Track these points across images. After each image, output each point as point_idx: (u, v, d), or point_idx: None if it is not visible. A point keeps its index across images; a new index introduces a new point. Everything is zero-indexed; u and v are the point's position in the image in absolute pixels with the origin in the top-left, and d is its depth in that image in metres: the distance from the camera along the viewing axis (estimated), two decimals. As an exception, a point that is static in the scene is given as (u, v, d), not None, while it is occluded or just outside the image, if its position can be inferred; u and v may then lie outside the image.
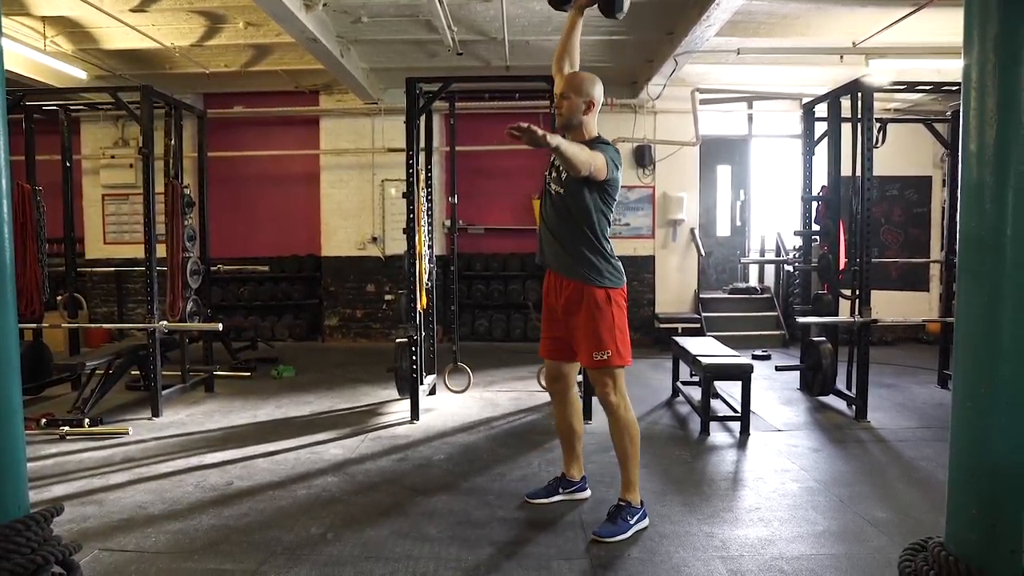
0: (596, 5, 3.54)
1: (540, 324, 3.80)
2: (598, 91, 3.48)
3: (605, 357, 3.40)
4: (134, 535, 3.42)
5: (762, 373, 7.04)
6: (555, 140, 2.99)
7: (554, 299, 3.61)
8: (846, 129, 6.21)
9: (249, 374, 7.45)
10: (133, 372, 6.51)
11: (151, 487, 4.12)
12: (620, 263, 3.56)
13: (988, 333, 1.82)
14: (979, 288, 1.84)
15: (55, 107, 6.70)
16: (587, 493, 3.90)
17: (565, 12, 3.68)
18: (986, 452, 1.83)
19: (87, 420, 5.31)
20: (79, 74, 8.04)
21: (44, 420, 5.28)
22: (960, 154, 1.89)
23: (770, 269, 10.52)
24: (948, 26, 6.75)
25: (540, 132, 2.89)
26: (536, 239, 3.66)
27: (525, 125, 2.87)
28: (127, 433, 5.24)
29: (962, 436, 1.90)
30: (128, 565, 3.10)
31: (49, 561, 1.73)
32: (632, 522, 3.39)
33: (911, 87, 6.38)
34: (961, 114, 1.87)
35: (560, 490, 3.86)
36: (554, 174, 3.50)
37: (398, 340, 6.07)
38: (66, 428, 5.20)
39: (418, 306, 5.83)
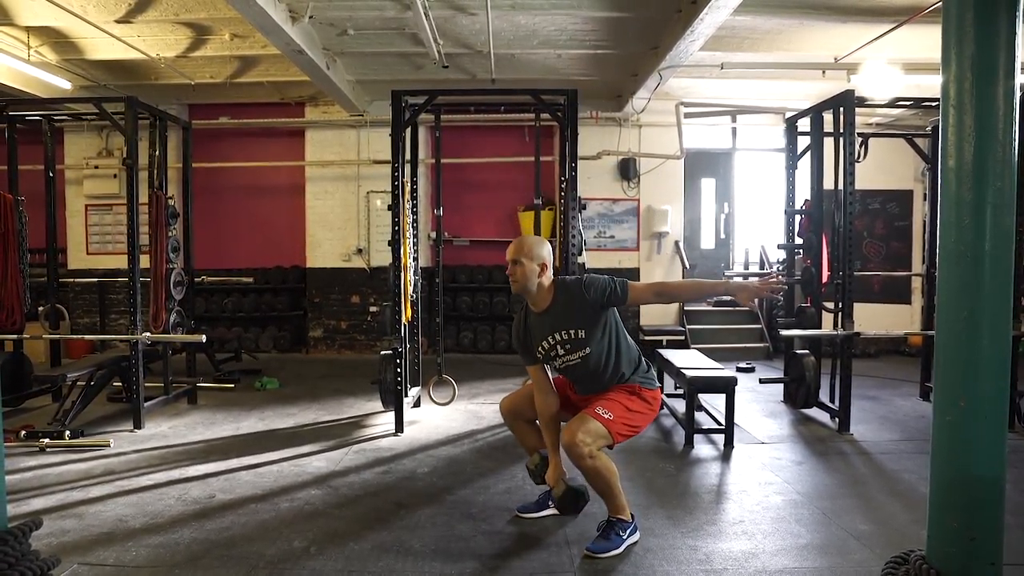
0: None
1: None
2: (547, 251, 3.53)
3: (607, 416, 3.35)
4: (114, 549, 3.37)
5: (746, 385, 7.07)
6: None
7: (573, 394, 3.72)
8: (828, 143, 6.28)
9: (232, 386, 7.39)
10: (115, 384, 6.45)
11: (132, 500, 4.07)
12: (654, 371, 3.69)
13: (967, 348, 1.85)
14: (958, 303, 1.87)
15: (39, 117, 6.66)
16: None
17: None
18: (965, 466, 1.85)
19: (68, 432, 5.25)
20: (63, 84, 8.00)
21: (24, 432, 5.22)
22: (939, 170, 1.92)
23: (754, 282, 10.57)
24: (927, 43, 6.86)
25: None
26: None
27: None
28: (108, 445, 5.18)
29: (941, 450, 1.92)
30: (107, 580, 3.07)
31: (27, 576, 1.72)
32: (625, 536, 3.38)
33: (892, 102, 6.49)
34: (940, 131, 1.90)
35: (550, 503, 3.83)
36: (560, 350, 3.50)
37: (383, 352, 6.06)
38: (46, 440, 5.13)
39: (403, 318, 5.82)
